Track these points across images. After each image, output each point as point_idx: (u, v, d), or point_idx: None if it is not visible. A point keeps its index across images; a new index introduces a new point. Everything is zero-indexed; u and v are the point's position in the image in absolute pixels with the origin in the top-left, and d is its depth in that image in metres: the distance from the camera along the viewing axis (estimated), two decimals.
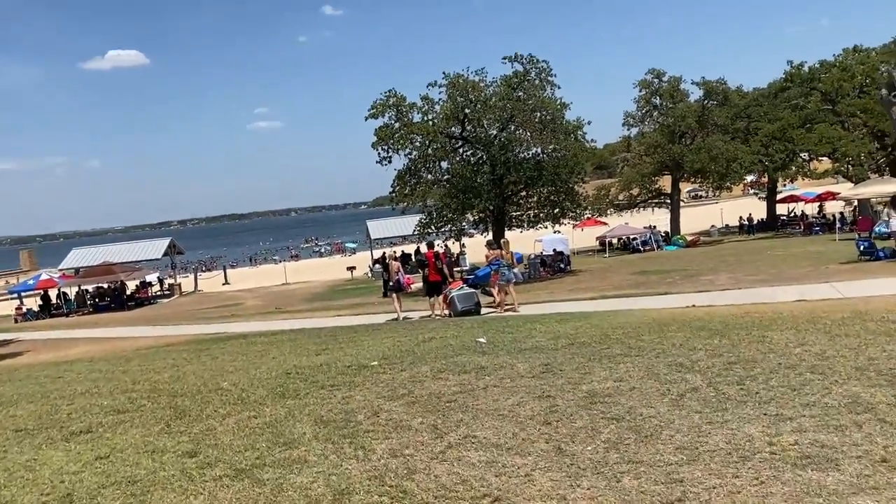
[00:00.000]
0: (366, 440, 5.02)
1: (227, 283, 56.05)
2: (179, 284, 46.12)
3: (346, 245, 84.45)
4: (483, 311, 17.29)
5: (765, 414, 4.80)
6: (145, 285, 44.74)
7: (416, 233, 33.14)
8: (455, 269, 31.03)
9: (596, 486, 3.87)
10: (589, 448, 4.46)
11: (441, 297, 17.41)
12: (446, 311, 17.29)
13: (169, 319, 28.64)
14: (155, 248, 45.48)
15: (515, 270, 17.70)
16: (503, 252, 17.30)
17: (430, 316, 17.57)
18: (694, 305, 13.86)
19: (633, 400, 5.43)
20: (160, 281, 47.88)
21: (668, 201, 45.51)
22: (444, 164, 30.76)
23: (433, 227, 31.83)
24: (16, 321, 37.97)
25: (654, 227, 45.24)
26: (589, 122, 30.65)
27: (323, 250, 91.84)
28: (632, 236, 42.26)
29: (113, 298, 41.64)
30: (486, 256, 18.70)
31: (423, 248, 40.05)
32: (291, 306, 32.05)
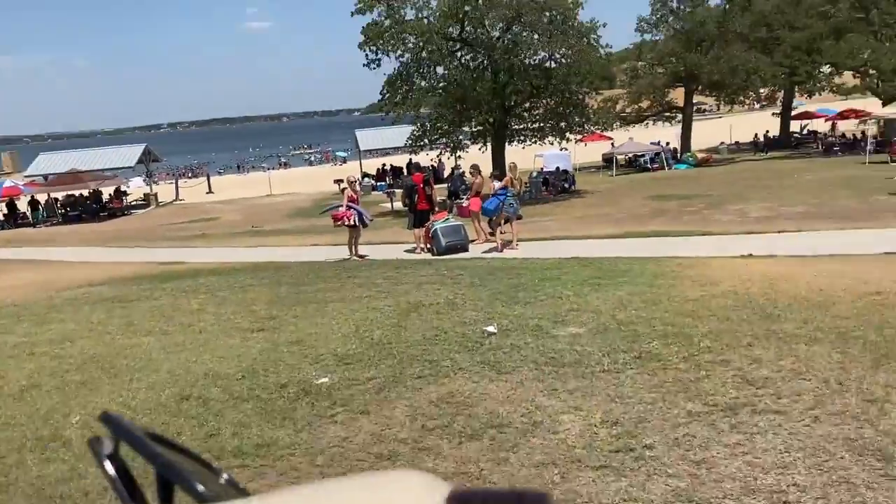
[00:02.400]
0: None
1: (210, 191, 52.54)
2: (156, 194, 42.55)
3: (337, 154, 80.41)
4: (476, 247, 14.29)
5: None
6: (120, 195, 41.31)
7: (407, 145, 29.70)
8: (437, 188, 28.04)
9: None
10: None
11: (425, 231, 14.36)
12: (429, 246, 14.31)
13: (133, 238, 25.51)
14: (128, 154, 41.62)
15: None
16: (512, 178, 14.08)
17: (415, 250, 14.57)
18: (751, 255, 10.84)
19: None
20: (149, 186, 44.26)
21: (680, 116, 41.67)
22: (441, 70, 26.96)
23: (426, 140, 28.39)
24: None
25: (668, 143, 41.53)
26: (604, 25, 26.72)
27: (313, 159, 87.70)
28: (639, 153, 38.74)
29: (85, 208, 38.39)
30: (472, 185, 15.52)
31: (425, 160, 37.09)
32: (269, 223, 28.86)
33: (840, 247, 11.18)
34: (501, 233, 14.69)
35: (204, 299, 10.00)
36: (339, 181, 45.98)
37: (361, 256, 14.54)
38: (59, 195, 39.76)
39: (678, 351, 5.09)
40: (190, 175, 73.64)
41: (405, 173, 40.41)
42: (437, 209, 14.71)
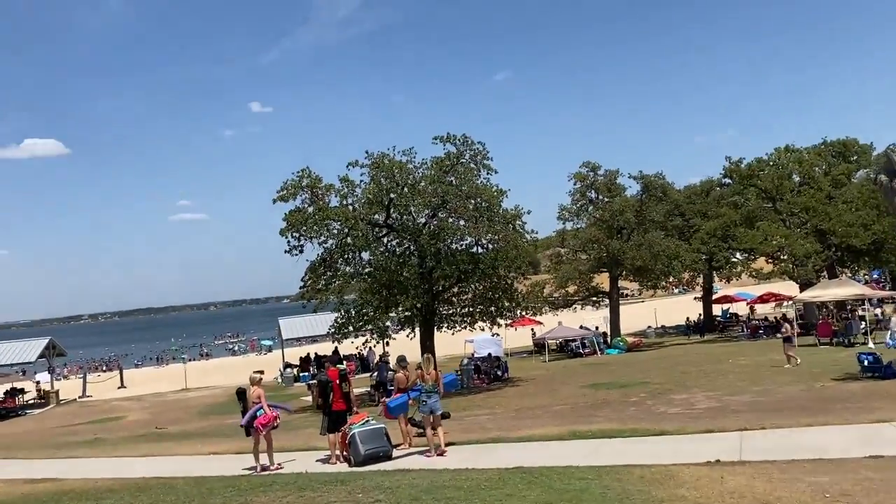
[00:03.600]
0: None
1: (122, 386, 48.73)
2: (57, 392, 38.77)
3: (262, 343, 77.58)
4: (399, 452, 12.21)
5: None
6: (15, 393, 37.47)
7: (330, 333, 27.86)
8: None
9: None
10: None
11: (341, 435, 12.30)
12: (345, 454, 12.20)
13: (14, 446, 22.15)
14: (29, 349, 38.26)
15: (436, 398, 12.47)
16: (423, 373, 12.34)
17: (329, 459, 12.38)
18: (718, 461, 9.24)
19: None
20: (51, 383, 40.57)
21: (607, 300, 41.65)
22: (366, 255, 25.91)
23: (351, 327, 26.61)
24: None
25: (597, 327, 41.04)
26: (528, 212, 26.55)
27: (237, 348, 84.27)
28: (571, 338, 37.88)
29: None
30: (399, 379, 13.74)
31: (351, 348, 34.67)
32: (177, 423, 25.93)
33: (813, 449, 9.69)
34: (433, 434, 12.76)
35: None
36: (259, 372, 43.18)
37: (265, 468, 12.27)
38: None
39: None
40: (104, 368, 69.36)
41: (327, 364, 38.15)
42: (355, 409, 12.72)
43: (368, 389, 26.84)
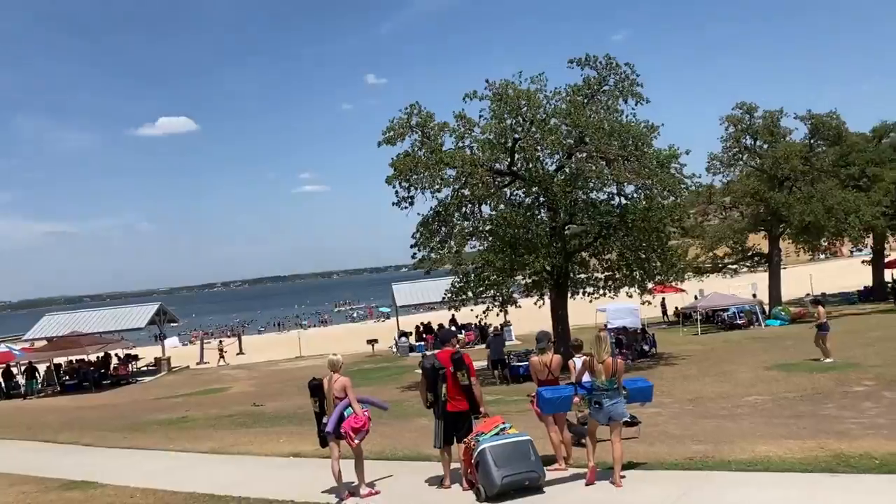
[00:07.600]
0: None
1: (241, 352, 47.23)
2: (169, 359, 37.01)
3: (380, 310, 75.24)
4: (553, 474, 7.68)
5: None
6: (129, 360, 35.89)
7: (445, 299, 23.57)
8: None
9: None
10: None
11: (463, 449, 7.84)
12: (471, 477, 7.73)
13: (96, 424, 19.34)
14: (138, 315, 36.51)
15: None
16: (593, 361, 7.70)
17: (443, 482, 8.03)
18: None
19: None
20: (161, 349, 39.18)
21: (767, 263, 35.14)
22: (486, 209, 21.43)
23: (470, 293, 22.22)
24: None
25: (754, 295, 34.87)
26: (687, 152, 21.11)
27: (356, 315, 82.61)
28: (722, 307, 31.99)
29: (83, 376, 32.83)
30: (534, 366, 8.96)
31: (470, 316, 29.77)
32: (277, 398, 22.69)
33: None
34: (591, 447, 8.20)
35: None
36: (372, 341, 39.79)
37: (353, 492, 8.10)
38: (62, 361, 34.54)
39: None
40: (229, 334, 69.19)
41: (439, 332, 33.88)
42: (483, 411, 8.21)
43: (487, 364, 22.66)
